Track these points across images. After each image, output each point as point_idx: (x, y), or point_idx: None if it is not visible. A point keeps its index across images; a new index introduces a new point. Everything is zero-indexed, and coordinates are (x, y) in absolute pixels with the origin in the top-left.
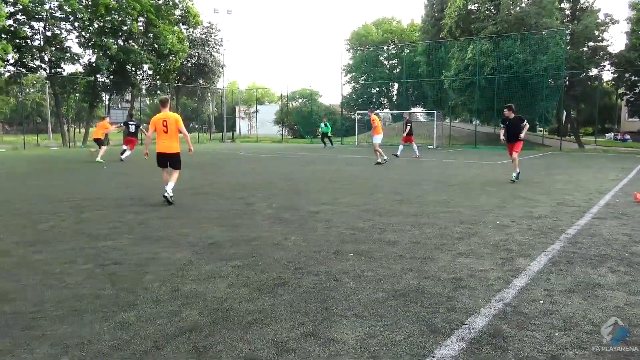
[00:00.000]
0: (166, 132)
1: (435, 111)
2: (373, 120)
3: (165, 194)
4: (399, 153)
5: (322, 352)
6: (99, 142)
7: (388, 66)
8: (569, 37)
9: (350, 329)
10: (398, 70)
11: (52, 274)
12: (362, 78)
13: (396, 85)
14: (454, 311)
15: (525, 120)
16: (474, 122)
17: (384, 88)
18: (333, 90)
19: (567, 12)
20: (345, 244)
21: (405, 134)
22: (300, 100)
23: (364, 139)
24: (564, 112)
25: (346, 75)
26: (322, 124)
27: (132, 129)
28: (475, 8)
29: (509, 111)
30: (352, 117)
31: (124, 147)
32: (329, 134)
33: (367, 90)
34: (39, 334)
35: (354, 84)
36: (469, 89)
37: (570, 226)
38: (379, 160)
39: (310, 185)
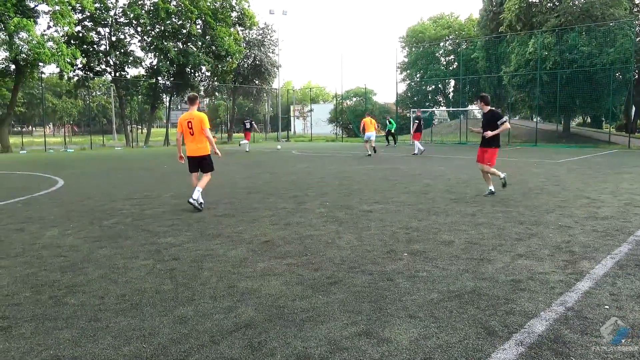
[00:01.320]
0: (192, 134)
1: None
2: (363, 122)
3: (192, 200)
4: (422, 149)
5: (375, 352)
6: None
7: (444, 63)
8: (638, 28)
9: (404, 329)
10: (455, 66)
11: (116, 269)
12: (418, 75)
13: (453, 82)
14: (512, 314)
15: (505, 117)
16: (534, 119)
17: (440, 85)
18: (388, 88)
19: (637, 1)
20: (399, 243)
21: (414, 131)
22: (354, 99)
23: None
24: (633, 108)
25: (401, 73)
26: (387, 122)
27: (247, 125)
28: (537, 0)
29: (481, 102)
30: (407, 115)
31: (243, 141)
32: (393, 131)
33: (422, 87)
34: (103, 326)
35: (409, 82)
36: (530, 85)
37: (639, 228)
38: (369, 153)
39: (363, 184)
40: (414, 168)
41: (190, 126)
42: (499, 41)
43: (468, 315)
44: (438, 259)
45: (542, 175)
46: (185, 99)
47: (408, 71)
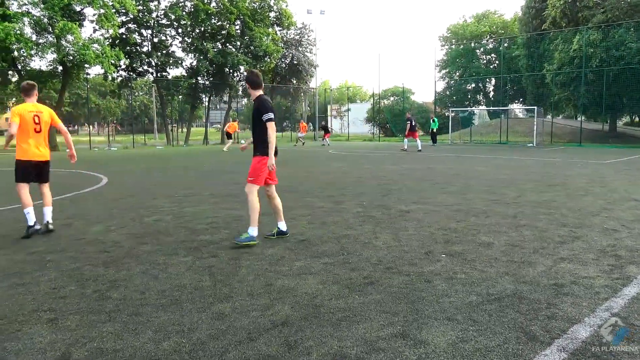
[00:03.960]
0: (38, 132)
1: (535, 107)
2: (302, 124)
3: (38, 226)
4: (405, 147)
5: (412, 354)
6: (229, 135)
7: (485, 61)
8: None
9: (442, 331)
10: (495, 64)
11: (156, 265)
12: (457, 74)
13: (493, 81)
14: (554, 319)
15: (271, 115)
16: (579, 119)
17: (480, 84)
18: (426, 87)
19: None
20: (437, 244)
21: (407, 131)
22: (392, 98)
23: (458, 137)
24: None
25: (440, 72)
26: (431, 120)
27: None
28: None
29: (247, 85)
30: (446, 114)
31: (324, 141)
32: (435, 130)
33: (461, 86)
34: (144, 320)
35: (447, 80)
36: (574, 83)
37: None
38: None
39: (401, 183)
40: (452, 168)
41: (37, 121)
42: (542, 38)
43: (508, 319)
44: (477, 261)
45: (587, 176)
46: (21, 87)
47: (447, 69)
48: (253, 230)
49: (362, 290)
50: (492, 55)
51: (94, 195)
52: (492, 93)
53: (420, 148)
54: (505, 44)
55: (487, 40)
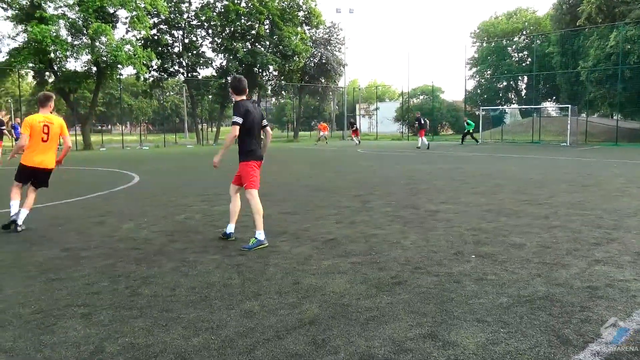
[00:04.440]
0: (46, 141)
1: (569, 105)
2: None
3: (18, 223)
4: (427, 143)
5: (440, 355)
6: None
7: (517, 58)
8: None
9: (471, 333)
10: (528, 62)
11: (186, 262)
12: (488, 72)
13: (525, 79)
14: (588, 323)
15: (237, 119)
16: (615, 117)
17: (511, 82)
18: (456, 85)
19: None
20: (467, 245)
21: (419, 130)
22: (421, 97)
23: (489, 136)
24: None
25: (470, 69)
26: (465, 123)
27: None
28: None
29: (231, 91)
30: (476, 113)
31: (354, 139)
32: (471, 131)
33: (493, 84)
34: (175, 316)
35: (478, 79)
36: (611, 80)
37: None
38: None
39: (430, 183)
40: (483, 168)
41: (46, 131)
42: (576, 35)
43: (540, 322)
44: (508, 262)
45: (623, 176)
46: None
47: (478, 67)
48: (260, 234)
49: (390, 290)
50: (524, 52)
51: (126, 193)
52: (524, 91)
53: (419, 145)
54: (538, 41)
55: (519, 38)
